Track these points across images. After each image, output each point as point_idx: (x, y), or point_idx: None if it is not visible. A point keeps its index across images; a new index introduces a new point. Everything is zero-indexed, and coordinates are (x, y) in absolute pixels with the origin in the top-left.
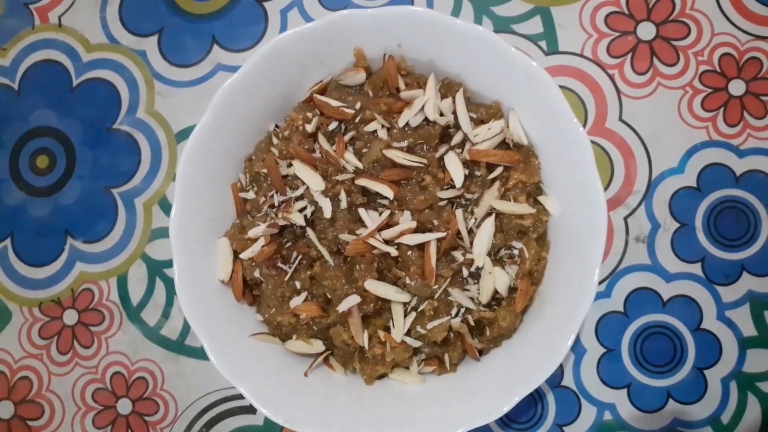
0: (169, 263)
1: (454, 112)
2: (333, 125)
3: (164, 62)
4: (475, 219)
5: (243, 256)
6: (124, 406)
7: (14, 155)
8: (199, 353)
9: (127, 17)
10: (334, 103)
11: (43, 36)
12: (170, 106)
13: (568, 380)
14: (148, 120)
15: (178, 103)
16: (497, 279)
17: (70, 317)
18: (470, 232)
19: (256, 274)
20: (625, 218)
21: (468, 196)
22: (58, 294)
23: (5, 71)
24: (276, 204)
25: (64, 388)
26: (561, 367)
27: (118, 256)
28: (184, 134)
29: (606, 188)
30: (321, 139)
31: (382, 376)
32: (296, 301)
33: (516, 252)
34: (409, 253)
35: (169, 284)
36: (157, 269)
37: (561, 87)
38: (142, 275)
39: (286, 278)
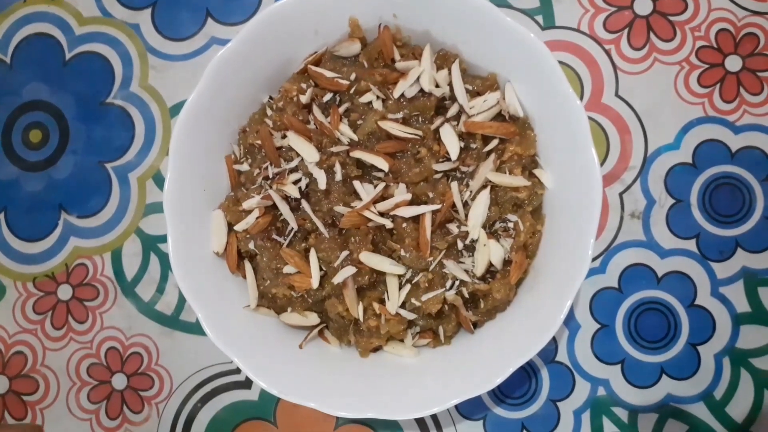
0: (163, 238)
1: (450, 84)
2: (328, 96)
3: (158, 36)
4: (471, 191)
5: (237, 228)
6: (119, 381)
7: (7, 129)
8: (194, 328)
9: None
10: (329, 74)
11: (36, 9)
12: (164, 80)
13: (562, 356)
14: (142, 94)
15: (172, 77)
16: (492, 251)
17: (65, 292)
18: (465, 204)
19: (251, 246)
20: (621, 194)
21: (463, 168)
22: (53, 269)
23: None
24: (270, 176)
25: (58, 363)
26: (555, 343)
27: (112, 231)
28: (178, 108)
29: (602, 164)
30: (315, 110)
31: (376, 349)
32: (289, 269)
33: (511, 225)
34: (404, 225)
35: (164, 259)
36: (152, 244)
37: (557, 62)
38: (137, 250)
39: (281, 250)
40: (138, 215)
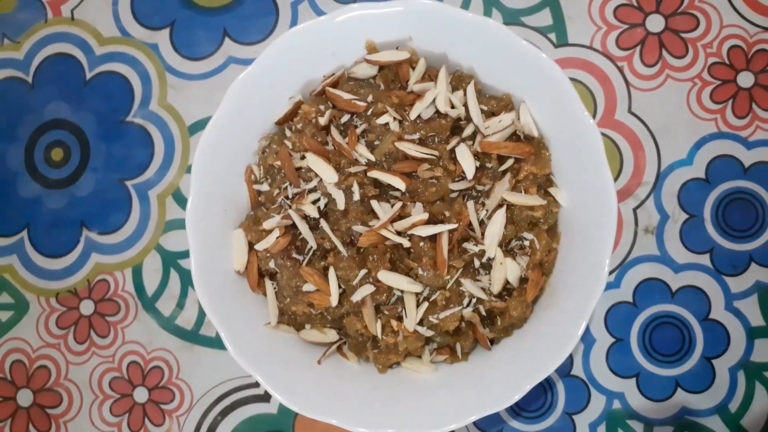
0: (183, 254)
1: (465, 105)
2: (345, 118)
3: (176, 55)
4: (487, 210)
5: (258, 247)
6: (141, 395)
7: (29, 148)
8: (214, 342)
9: (139, 10)
10: (346, 95)
11: (56, 29)
12: (182, 98)
13: (577, 369)
14: (161, 113)
15: (191, 96)
16: (508, 270)
17: (87, 307)
18: (481, 223)
19: (271, 264)
20: (634, 209)
21: (479, 187)
22: (75, 284)
23: (19, 64)
24: (290, 196)
25: (81, 377)
26: (571, 357)
27: (132, 248)
28: (196, 127)
29: (615, 180)
30: (333, 131)
31: (394, 365)
32: (308, 287)
33: (527, 243)
34: (421, 244)
35: (184, 275)
36: (172, 260)
37: (570, 79)
38: (157, 266)
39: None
40: (158, 232)
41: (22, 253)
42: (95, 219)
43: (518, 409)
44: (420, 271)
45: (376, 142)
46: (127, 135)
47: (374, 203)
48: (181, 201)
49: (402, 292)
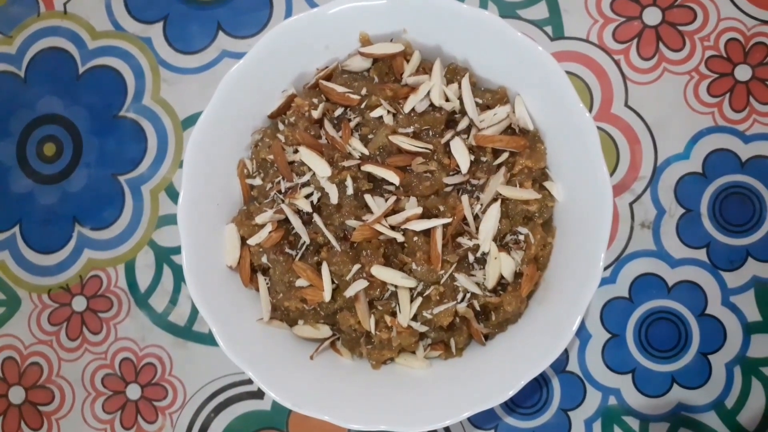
0: (176, 250)
1: (460, 98)
2: (339, 111)
3: (170, 49)
4: (481, 205)
5: (250, 242)
6: (133, 392)
7: (21, 143)
8: (207, 339)
9: (132, 4)
10: (340, 88)
11: (49, 23)
12: (176, 93)
13: (573, 365)
14: (154, 107)
15: (184, 90)
16: (503, 264)
17: (79, 304)
18: (476, 217)
19: (264, 259)
20: (631, 204)
21: (474, 181)
22: (67, 281)
23: (11, 59)
24: (282, 190)
25: (73, 374)
26: (566, 353)
27: (125, 243)
28: (190, 121)
29: (611, 174)
30: (327, 125)
31: (388, 361)
32: (301, 283)
33: (522, 237)
34: (415, 238)
35: (176, 271)
36: (165, 256)
37: (567, 73)
38: (150, 262)
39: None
40: (151, 227)
41: (14, 248)
42: (88, 214)
43: (513, 405)
44: (414, 266)
45: (370, 136)
46: (119, 130)
47: (368, 197)
48: (174, 196)
49: (396, 287)
